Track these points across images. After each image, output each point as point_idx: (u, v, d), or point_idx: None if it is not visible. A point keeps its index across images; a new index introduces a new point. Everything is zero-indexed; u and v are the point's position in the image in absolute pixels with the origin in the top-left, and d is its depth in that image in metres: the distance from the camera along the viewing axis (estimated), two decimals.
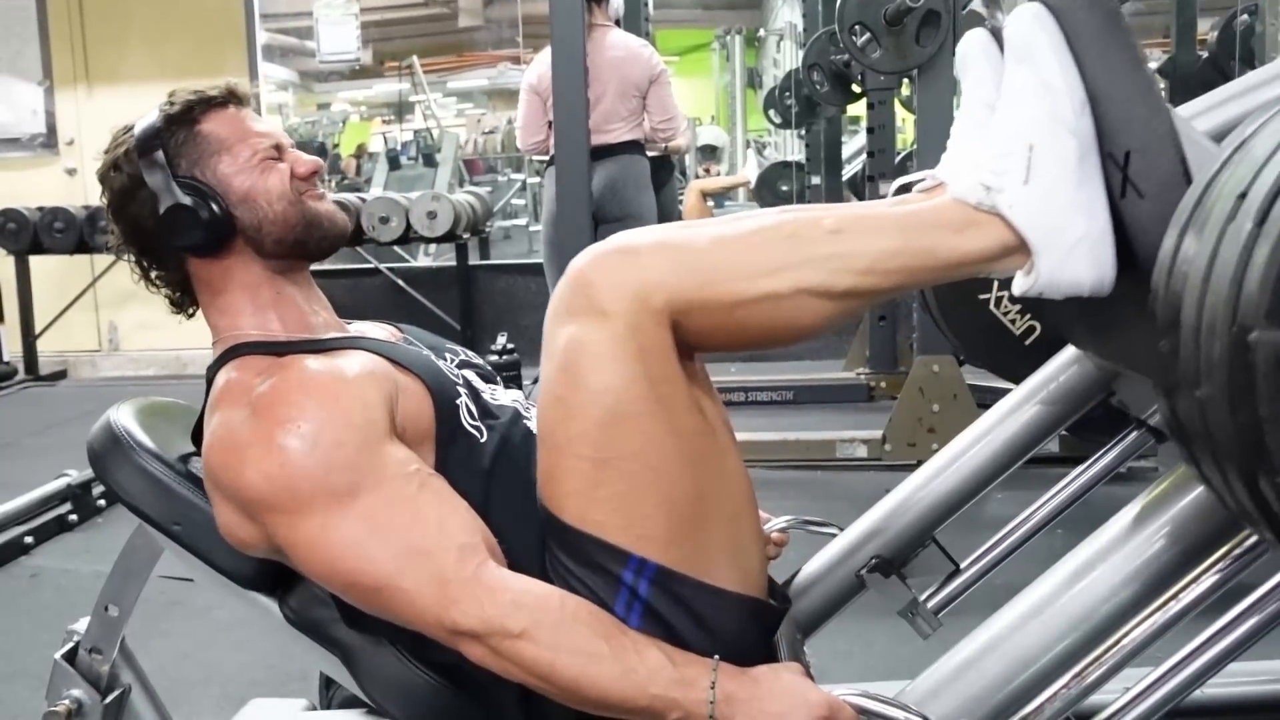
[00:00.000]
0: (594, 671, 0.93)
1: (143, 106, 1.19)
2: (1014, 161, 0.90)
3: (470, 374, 1.20)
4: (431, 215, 5.44)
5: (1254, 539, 0.88)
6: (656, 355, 0.93)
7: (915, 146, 3.95)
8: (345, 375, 1.05)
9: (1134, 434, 1.23)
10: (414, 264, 6.39)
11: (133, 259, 1.20)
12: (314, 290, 1.22)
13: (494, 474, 1.08)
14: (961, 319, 1.43)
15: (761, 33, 10.10)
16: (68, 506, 3.27)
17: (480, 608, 0.94)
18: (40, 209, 5.79)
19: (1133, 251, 0.89)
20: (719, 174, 8.56)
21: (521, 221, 7.51)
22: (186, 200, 1.13)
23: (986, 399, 3.01)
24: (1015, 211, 0.90)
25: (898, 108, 5.08)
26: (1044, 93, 0.90)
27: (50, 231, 5.76)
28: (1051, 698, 0.92)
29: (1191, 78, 5.13)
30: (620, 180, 3.94)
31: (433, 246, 6.22)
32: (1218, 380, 0.67)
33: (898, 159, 4.73)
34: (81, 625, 1.29)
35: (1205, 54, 5.33)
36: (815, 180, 6.04)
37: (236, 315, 1.16)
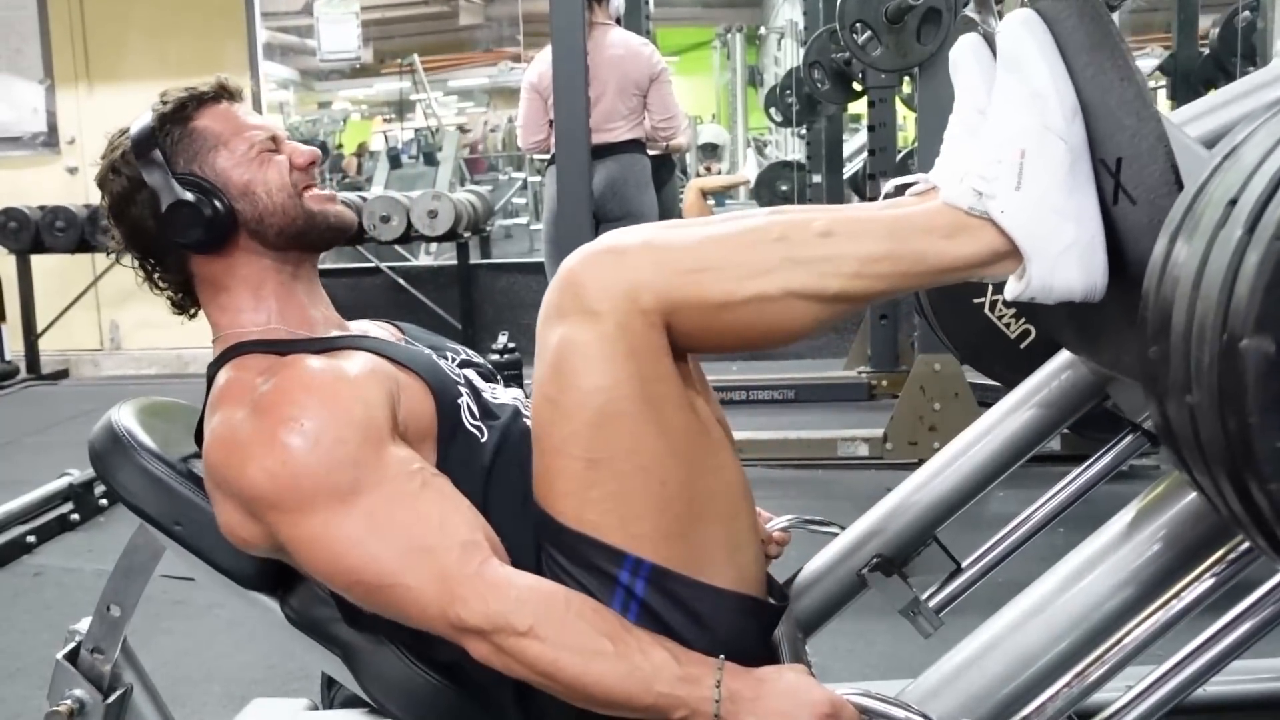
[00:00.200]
0: (599, 668, 0.92)
1: (144, 105, 1.19)
2: (1005, 168, 0.90)
3: (471, 373, 1.19)
4: (432, 214, 5.44)
5: None
6: (647, 355, 0.93)
7: (916, 144, 3.94)
8: (347, 374, 1.04)
9: (1130, 437, 1.23)
10: (415, 263, 6.39)
11: (135, 262, 1.19)
12: (317, 287, 1.22)
13: (493, 472, 1.08)
14: (956, 322, 1.43)
15: (762, 31, 10.11)
16: (70, 506, 3.27)
17: (485, 604, 0.94)
18: (41, 208, 5.79)
19: (1125, 258, 0.89)
20: (720, 172, 8.56)
21: (523, 220, 7.51)
22: (188, 196, 1.12)
23: (988, 397, 3.00)
24: (1006, 218, 0.90)
25: (899, 106, 5.07)
26: (1035, 99, 0.90)
27: (51, 230, 5.76)
28: (1053, 696, 0.92)
29: (1193, 74, 5.14)
30: (621, 179, 3.94)
31: (434, 245, 6.21)
32: (1207, 387, 0.67)
33: (899, 157, 4.72)
34: (83, 625, 1.29)
35: (1206, 50, 5.33)
36: (816, 178, 6.03)
37: (238, 312, 1.16)
